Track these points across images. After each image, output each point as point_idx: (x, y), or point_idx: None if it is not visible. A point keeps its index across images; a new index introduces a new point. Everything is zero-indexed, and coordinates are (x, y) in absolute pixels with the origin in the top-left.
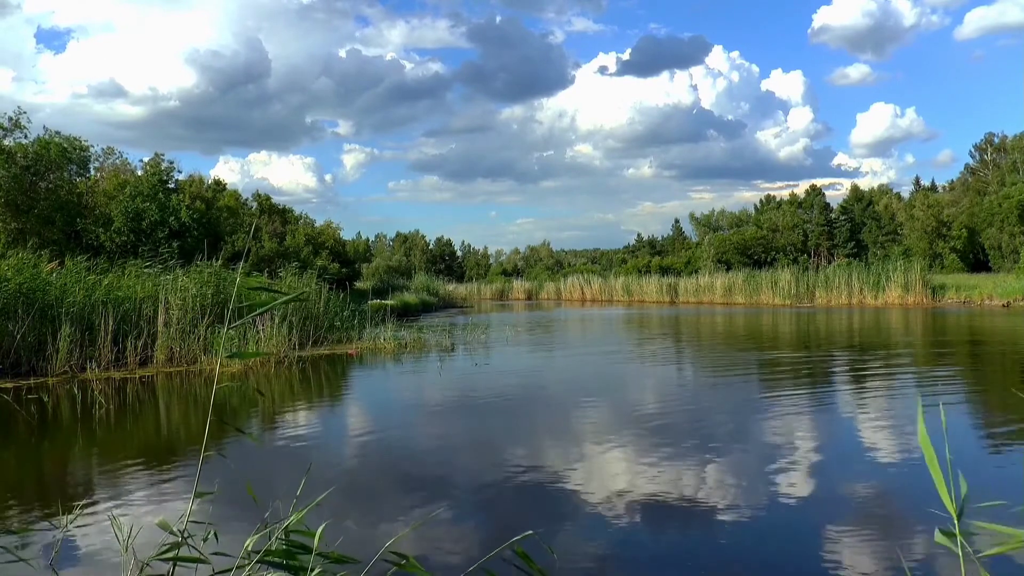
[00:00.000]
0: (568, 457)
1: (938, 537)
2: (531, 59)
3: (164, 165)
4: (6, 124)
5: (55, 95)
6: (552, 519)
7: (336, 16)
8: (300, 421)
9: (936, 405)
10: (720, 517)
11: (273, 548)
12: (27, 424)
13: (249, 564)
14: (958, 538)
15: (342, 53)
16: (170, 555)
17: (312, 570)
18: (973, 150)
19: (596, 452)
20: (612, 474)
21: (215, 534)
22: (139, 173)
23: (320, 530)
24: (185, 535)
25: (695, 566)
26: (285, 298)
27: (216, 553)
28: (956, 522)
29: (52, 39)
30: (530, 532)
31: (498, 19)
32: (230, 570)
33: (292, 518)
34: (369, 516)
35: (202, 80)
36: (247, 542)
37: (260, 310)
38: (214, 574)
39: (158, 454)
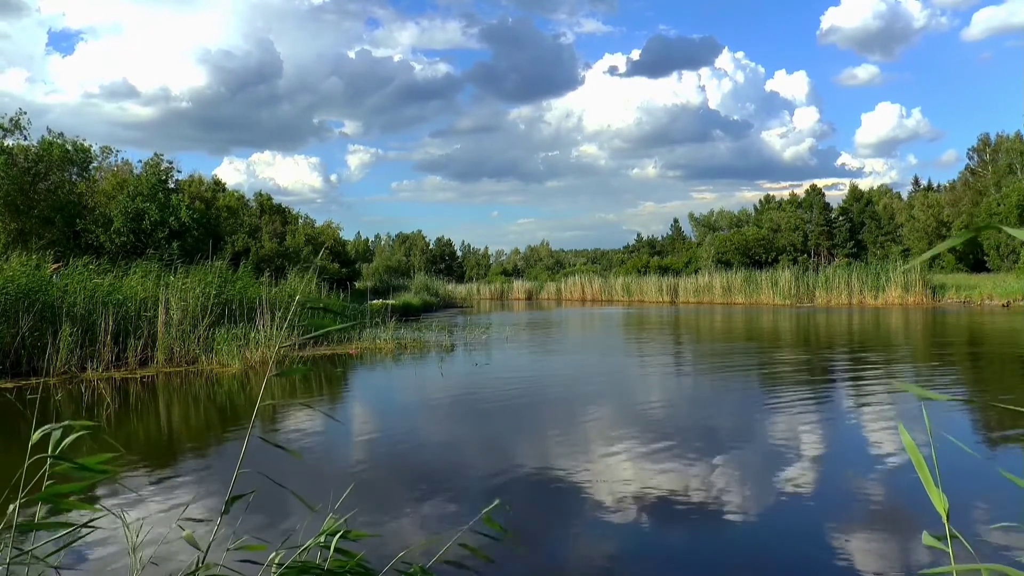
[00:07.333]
0: (574, 457)
1: (926, 539)
2: (542, 60)
3: (164, 166)
4: (6, 124)
5: (65, 95)
6: (560, 519)
7: (347, 18)
8: (303, 422)
9: (926, 407)
10: (728, 517)
11: (299, 558)
12: (28, 424)
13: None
14: (948, 539)
15: (352, 54)
16: (205, 573)
17: None
18: (971, 151)
19: (601, 451)
20: (617, 473)
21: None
22: (137, 172)
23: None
24: (206, 550)
25: (703, 566)
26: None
27: (243, 560)
28: (946, 524)
29: (62, 41)
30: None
31: (510, 20)
32: None
33: (326, 525)
34: (379, 520)
35: (214, 80)
36: (272, 555)
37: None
38: None
39: (161, 454)
